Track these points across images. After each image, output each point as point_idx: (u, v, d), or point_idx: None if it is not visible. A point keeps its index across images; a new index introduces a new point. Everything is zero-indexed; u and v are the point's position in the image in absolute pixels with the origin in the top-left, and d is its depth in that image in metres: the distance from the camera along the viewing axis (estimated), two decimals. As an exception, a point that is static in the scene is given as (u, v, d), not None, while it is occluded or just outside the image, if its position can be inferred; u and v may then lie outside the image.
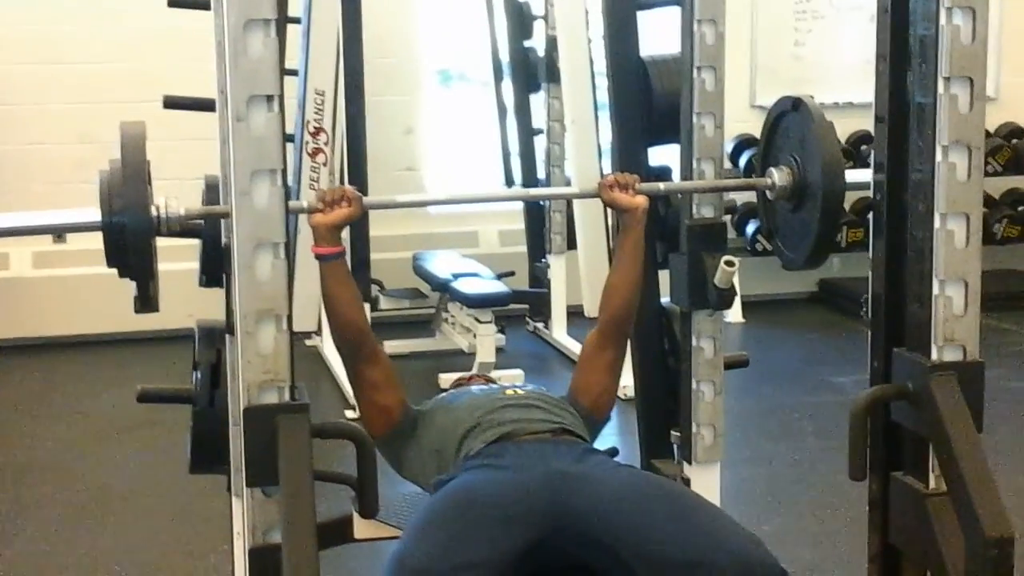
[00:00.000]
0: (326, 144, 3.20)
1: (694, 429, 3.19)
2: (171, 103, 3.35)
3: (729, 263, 3.04)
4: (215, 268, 3.13)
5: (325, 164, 3.22)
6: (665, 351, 3.40)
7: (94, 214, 2.70)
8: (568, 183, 6.74)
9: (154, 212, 2.41)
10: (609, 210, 3.53)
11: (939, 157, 2.06)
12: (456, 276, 6.41)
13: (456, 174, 7.98)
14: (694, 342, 3.18)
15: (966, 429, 2.01)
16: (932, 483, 2.12)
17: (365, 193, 5.66)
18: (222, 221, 2.94)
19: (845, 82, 7.90)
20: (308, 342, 6.94)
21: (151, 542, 4.38)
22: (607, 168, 3.65)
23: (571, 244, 6.90)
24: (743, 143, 7.67)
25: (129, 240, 2.46)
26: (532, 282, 7.17)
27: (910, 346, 2.15)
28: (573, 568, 2.51)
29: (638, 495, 2.49)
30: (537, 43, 6.90)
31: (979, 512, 1.92)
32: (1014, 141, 7.93)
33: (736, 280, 3.11)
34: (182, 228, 2.63)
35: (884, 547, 2.25)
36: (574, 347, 6.65)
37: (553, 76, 6.69)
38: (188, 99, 3.22)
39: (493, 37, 7.04)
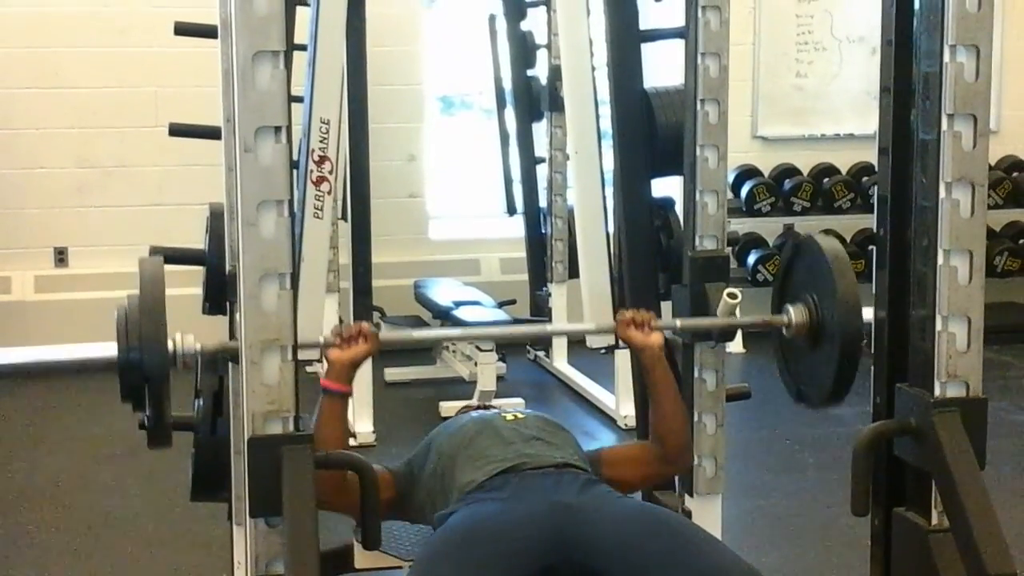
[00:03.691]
0: (330, 173, 3.20)
1: (696, 461, 3.19)
2: (177, 131, 3.36)
3: (732, 295, 3.05)
4: (218, 295, 3.15)
5: (329, 192, 3.23)
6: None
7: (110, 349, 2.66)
8: (570, 211, 6.77)
9: (171, 347, 2.36)
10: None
11: (942, 194, 2.07)
12: (458, 304, 6.41)
13: (458, 201, 8.00)
14: (696, 374, 3.18)
15: (969, 466, 2.01)
16: (935, 519, 2.12)
17: (367, 216, 5.69)
18: (227, 248, 2.96)
19: (846, 114, 7.92)
20: (309, 368, 6.93)
21: (150, 569, 4.37)
22: (609, 198, 3.65)
23: (572, 273, 6.91)
24: (744, 173, 7.68)
25: (147, 380, 2.43)
26: (533, 310, 7.16)
27: (913, 381, 2.16)
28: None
29: (640, 528, 2.49)
30: (540, 71, 6.92)
31: (981, 549, 1.92)
32: (1015, 174, 7.95)
33: (738, 311, 3.12)
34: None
35: (886, 581, 2.24)
36: (575, 376, 6.65)
37: (556, 105, 6.70)
38: (194, 127, 3.23)
39: (496, 65, 7.06)
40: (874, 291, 2.30)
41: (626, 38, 3.45)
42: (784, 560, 4.36)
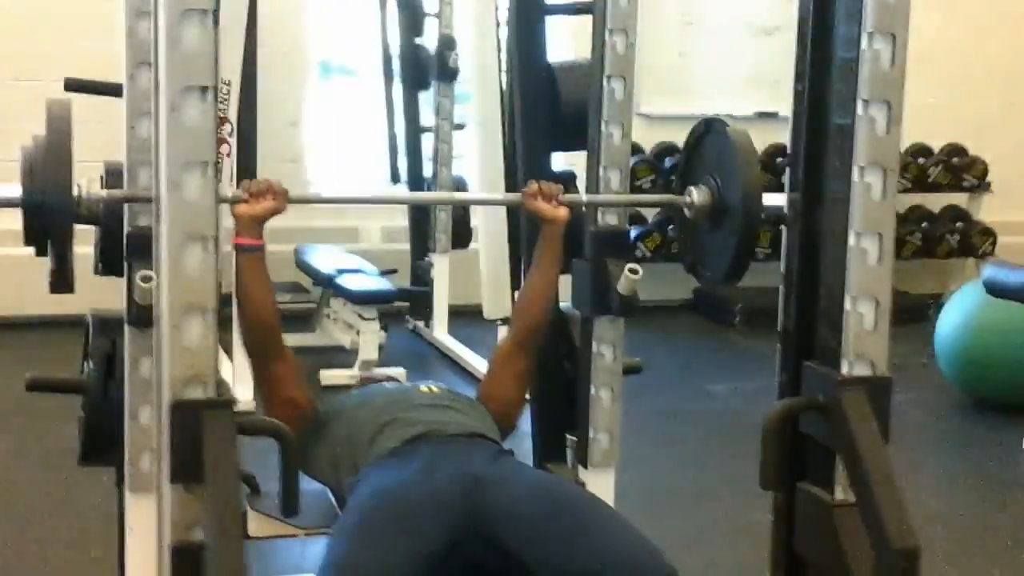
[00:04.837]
0: (230, 135, 3.16)
1: (591, 433, 3.22)
2: (74, 86, 3.27)
3: (633, 271, 3.08)
4: (114, 256, 3.08)
5: (228, 155, 3.19)
6: (561, 356, 3.42)
7: (14, 190, 2.68)
8: (457, 184, 6.76)
9: (76, 192, 2.40)
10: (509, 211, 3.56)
11: (855, 177, 2.11)
12: (340, 272, 6.36)
13: (341, 168, 7.93)
14: (594, 348, 3.21)
15: (874, 442, 2.07)
16: (838, 494, 2.17)
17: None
18: (125, 208, 2.90)
19: (727, 94, 8.03)
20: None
21: (28, 534, 4.28)
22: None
23: (456, 243, 6.91)
24: (627, 149, 7.73)
25: (52, 222, 2.47)
26: (414, 280, 7.15)
27: (821, 360, 2.20)
28: (485, 571, 2.52)
29: (548, 503, 2.52)
30: (429, 40, 6.88)
31: (887, 523, 1.97)
32: (920, 160, 8.15)
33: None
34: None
35: (788, 555, 2.29)
36: (455, 347, 6.65)
37: (444, 75, 6.69)
38: (92, 83, 3.14)
39: (384, 32, 7.01)
40: (783, 271, 2.33)
41: (530, 10, 3.46)
42: (670, 528, 4.43)
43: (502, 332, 5.73)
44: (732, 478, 4.59)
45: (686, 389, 6.39)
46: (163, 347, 1.85)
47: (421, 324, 7.13)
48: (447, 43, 6.67)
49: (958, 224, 8.38)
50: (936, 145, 8.33)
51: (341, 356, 6.26)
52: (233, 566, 1.72)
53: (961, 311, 6.01)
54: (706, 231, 3.03)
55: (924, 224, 8.29)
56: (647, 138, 7.86)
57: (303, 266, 6.78)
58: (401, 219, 7.30)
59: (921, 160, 8.20)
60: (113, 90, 3.23)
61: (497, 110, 3.46)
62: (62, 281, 2.63)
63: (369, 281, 6.23)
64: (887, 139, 2.11)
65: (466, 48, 3.62)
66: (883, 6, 2.08)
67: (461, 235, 6.93)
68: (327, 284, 6.39)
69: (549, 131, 3.43)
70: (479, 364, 6.25)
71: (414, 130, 7.02)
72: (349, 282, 6.20)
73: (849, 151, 2.12)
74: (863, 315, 2.13)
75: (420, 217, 7.07)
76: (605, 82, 3.13)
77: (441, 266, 6.85)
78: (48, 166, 2.60)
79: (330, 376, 5.86)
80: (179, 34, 1.78)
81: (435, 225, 6.87)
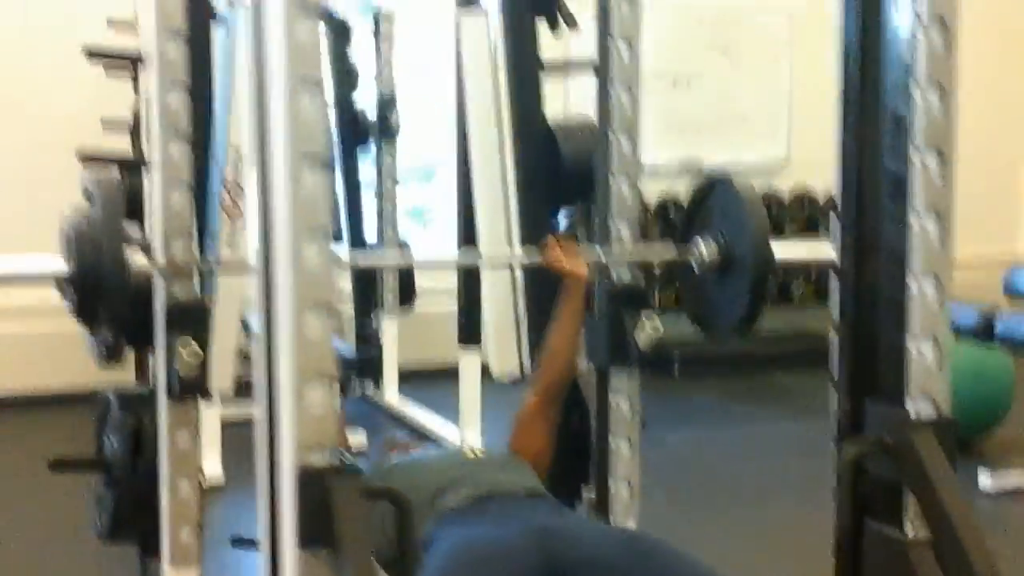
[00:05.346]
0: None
1: (611, 486, 3.27)
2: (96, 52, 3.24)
3: (655, 327, 3.16)
4: (139, 332, 3.08)
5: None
6: (569, 411, 3.46)
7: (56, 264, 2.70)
8: (403, 244, 6.79)
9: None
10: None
11: (913, 224, 2.19)
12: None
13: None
14: (611, 400, 3.27)
15: (950, 482, 2.14)
16: (910, 532, 2.23)
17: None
18: (158, 281, 2.90)
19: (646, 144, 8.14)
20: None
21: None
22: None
23: (403, 301, 6.92)
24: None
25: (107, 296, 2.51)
26: (359, 342, 7.12)
27: (884, 399, 2.27)
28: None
29: (624, 547, 2.56)
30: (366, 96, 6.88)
31: (973, 562, 2.04)
32: (806, 205, 8.33)
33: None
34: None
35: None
36: (409, 409, 6.60)
37: (385, 133, 6.69)
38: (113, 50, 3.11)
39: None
40: (839, 313, 2.41)
41: (527, 69, 3.53)
42: None
43: (464, 387, 5.75)
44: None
45: (673, 436, 6.43)
46: (283, 414, 1.87)
47: (370, 388, 7.08)
48: (388, 101, 6.70)
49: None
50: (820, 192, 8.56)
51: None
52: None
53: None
54: (713, 283, 3.11)
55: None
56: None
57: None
58: (344, 281, 7.29)
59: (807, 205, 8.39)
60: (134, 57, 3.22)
61: (498, 168, 3.50)
62: (117, 352, 2.65)
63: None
64: (942, 186, 2.20)
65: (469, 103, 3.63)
66: (934, 58, 2.18)
67: (406, 295, 6.94)
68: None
69: (551, 188, 3.50)
70: (439, 425, 6.23)
71: (353, 188, 6.99)
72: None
73: (904, 198, 2.21)
74: (925, 355, 2.21)
75: (364, 278, 7.06)
76: (612, 137, 3.20)
77: (390, 327, 6.85)
78: (104, 241, 2.62)
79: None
80: (297, 104, 1.81)
81: (383, 286, 6.87)
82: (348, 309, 7.19)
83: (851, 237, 2.36)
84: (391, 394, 6.88)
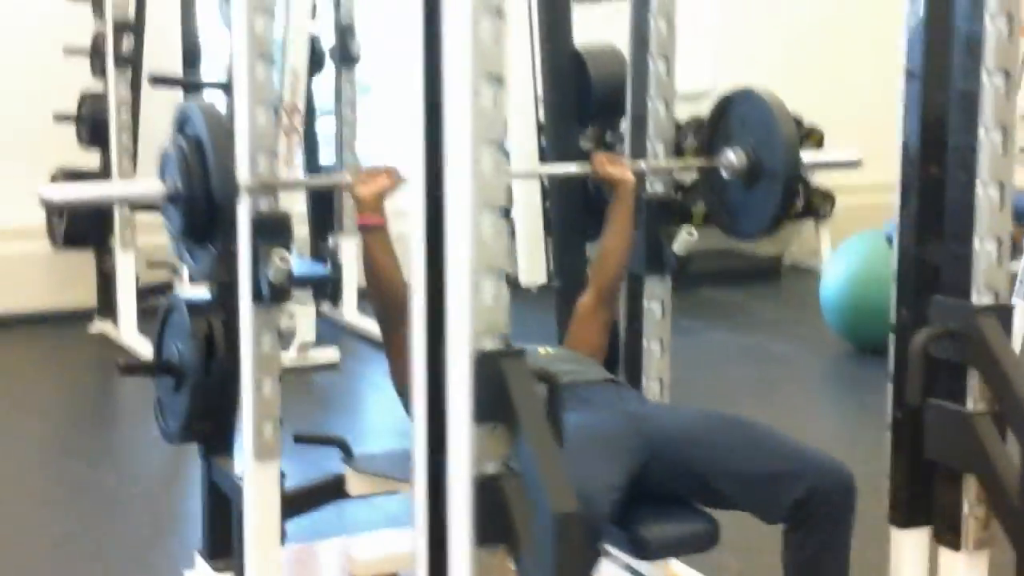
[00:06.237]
0: (301, 124, 3.39)
1: (644, 381, 3.56)
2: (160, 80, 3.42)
3: (690, 232, 3.43)
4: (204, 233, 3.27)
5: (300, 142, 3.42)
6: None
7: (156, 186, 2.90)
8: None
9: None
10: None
11: (982, 136, 2.49)
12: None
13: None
14: (646, 304, 3.54)
15: (1013, 356, 2.46)
16: (971, 407, 2.55)
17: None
18: (245, 195, 3.08)
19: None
20: (91, 328, 6.87)
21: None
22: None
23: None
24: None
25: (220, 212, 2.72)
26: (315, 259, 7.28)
27: (947, 294, 2.58)
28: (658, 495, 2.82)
29: (714, 422, 2.84)
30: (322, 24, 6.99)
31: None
32: None
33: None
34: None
35: (913, 462, 2.67)
36: (365, 326, 6.81)
37: (345, 60, 6.86)
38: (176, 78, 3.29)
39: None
40: (898, 221, 2.70)
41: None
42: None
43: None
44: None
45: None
46: (460, 306, 2.09)
47: (328, 306, 7.25)
48: (347, 28, 6.86)
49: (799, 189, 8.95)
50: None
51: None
52: (562, 487, 1.99)
53: (846, 267, 6.55)
54: (741, 190, 3.40)
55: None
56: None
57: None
58: (298, 202, 7.43)
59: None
60: (193, 85, 3.43)
61: (530, 92, 3.73)
62: (229, 268, 2.83)
63: (301, 263, 6.39)
64: (1007, 104, 2.50)
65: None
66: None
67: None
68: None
69: (580, 110, 3.74)
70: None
71: (310, 113, 7.13)
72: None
73: (975, 113, 2.50)
74: (991, 252, 2.52)
75: (320, 199, 7.20)
76: (651, 61, 3.44)
77: (348, 248, 7.03)
78: (217, 161, 2.81)
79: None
80: (478, 30, 2.02)
81: (340, 208, 7.03)
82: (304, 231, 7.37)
83: (917, 154, 2.64)
84: (350, 313, 7.07)
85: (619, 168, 3.32)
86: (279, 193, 3.17)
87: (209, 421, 3.32)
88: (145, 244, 6.68)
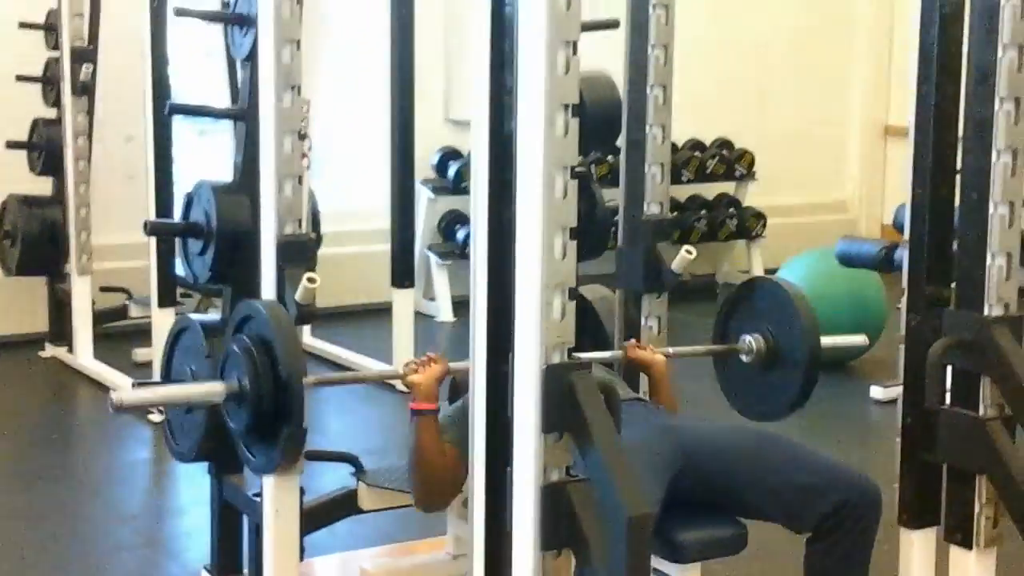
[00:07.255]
0: (309, 150, 3.48)
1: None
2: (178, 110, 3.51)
3: (688, 251, 3.58)
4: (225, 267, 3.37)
5: (308, 167, 3.51)
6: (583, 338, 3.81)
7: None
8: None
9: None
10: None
11: (995, 158, 2.67)
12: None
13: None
14: (643, 321, 3.69)
15: (1025, 366, 2.64)
16: (984, 413, 2.72)
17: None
18: (269, 219, 3.18)
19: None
20: (43, 353, 6.83)
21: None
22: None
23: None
24: (447, 155, 8.14)
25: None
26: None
27: (961, 306, 2.75)
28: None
29: (741, 437, 2.99)
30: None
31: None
32: (697, 153, 8.86)
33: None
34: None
35: (921, 464, 2.84)
36: (325, 348, 6.82)
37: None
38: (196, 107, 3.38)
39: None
40: (908, 238, 2.87)
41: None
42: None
43: (397, 328, 6.13)
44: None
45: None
46: (529, 322, 2.22)
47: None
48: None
49: (731, 210, 9.17)
50: (708, 139, 9.10)
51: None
52: (635, 491, 2.13)
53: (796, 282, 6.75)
54: (759, 374, 3.55)
55: (703, 211, 9.03)
56: (462, 143, 8.25)
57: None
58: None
59: (698, 153, 8.94)
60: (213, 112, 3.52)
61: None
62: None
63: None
64: (1017, 128, 2.68)
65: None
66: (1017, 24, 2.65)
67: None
68: (206, 293, 6.52)
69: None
70: (360, 361, 6.51)
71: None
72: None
73: (989, 137, 2.68)
74: (1002, 267, 2.70)
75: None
76: (649, 90, 3.59)
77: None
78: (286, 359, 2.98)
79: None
80: (554, 61, 2.16)
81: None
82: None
83: (927, 175, 2.81)
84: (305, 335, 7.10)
85: (647, 352, 3.43)
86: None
87: (220, 440, 3.37)
88: (97, 269, 6.66)
